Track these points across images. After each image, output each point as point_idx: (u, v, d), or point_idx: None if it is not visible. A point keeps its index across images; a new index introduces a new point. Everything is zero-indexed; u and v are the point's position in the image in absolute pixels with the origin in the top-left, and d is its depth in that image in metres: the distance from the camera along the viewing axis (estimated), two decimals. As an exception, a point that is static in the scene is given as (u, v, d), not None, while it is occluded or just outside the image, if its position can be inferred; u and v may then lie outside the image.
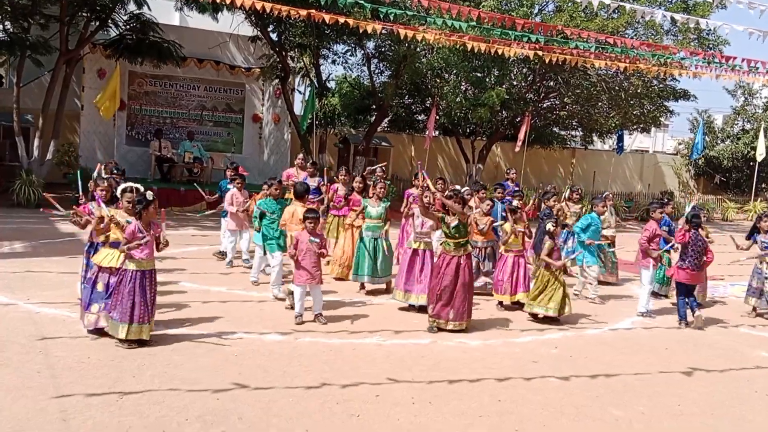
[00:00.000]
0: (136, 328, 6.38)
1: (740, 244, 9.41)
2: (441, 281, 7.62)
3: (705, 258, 8.64)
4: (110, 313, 6.49)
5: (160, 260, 10.20)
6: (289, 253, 7.74)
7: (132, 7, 18.31)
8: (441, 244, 7.96)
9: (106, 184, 7.34)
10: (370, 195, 9.59)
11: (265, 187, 9.42)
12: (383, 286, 9.50)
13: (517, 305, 8.92)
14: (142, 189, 6.99)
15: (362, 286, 9.47)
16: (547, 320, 8.37)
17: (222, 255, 11.10)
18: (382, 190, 9.51)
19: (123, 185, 7.15)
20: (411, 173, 12.11)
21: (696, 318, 8.57)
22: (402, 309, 8.57)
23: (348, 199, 10.49)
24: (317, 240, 7.66)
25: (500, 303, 9.03)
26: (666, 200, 11.88)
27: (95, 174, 8.17)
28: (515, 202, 9.21)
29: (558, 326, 8.23)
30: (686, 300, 8.70)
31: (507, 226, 8.99)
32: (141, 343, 6.45)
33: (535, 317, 8.43)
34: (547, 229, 8.49)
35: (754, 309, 9.53)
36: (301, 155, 13.35)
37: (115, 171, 10.10)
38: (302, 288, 7.64)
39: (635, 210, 25.05)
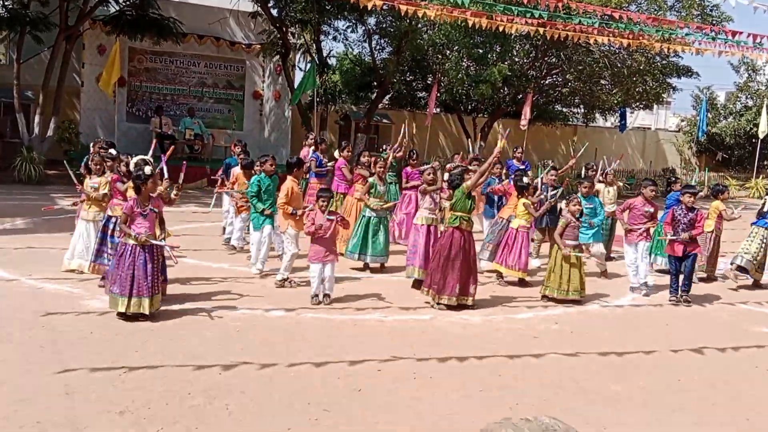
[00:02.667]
0: (135, 302, 6.40)
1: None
2: (448, 256, 7.54)
3: (693, 231, 8.57)
4: (111, 287, 6.53)
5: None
6: (307, 230, 7.60)
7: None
8: (442, 220, 7.94)
9: (97, 158, 7.58)
10: (372, 173, 9.59)
11: (259, 163, 9.30)
12: (377, 264, 9.49)
13: (521, 282, 8.95)
14: (151, 161, 7.05)
15: (366, 266, 9.48)
16: (563, 301, 8.23)
17: (228, 244, 10.78)
18: (382, 169, 9.50)
19: (135, 159, 7.20)
20: (406, 153, 12.11)
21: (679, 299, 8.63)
22: (412, 286, 8.52)
23: (353, 174, 10.46)
24: (333, 218, 7.63)
25: (500, 274, 9.05)
26: (674, 178, 11.82)
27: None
28: (525, 179, 9.16)
29: (559, 303, 8.24)
30: (676, 277, 8.67)
31: (521, 202, 8.95)
32: (141, 316, 6.47)
33: (550, 299, 8.27)
34: (559, 206, 8.50)
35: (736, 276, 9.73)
36: (312, 134, 13.31)
37: (103, 147, 9.78)
38: (320, 265, 7.53)
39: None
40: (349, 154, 11.53)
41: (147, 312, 6.48)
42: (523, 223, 8.90)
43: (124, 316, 6.46)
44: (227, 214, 10.69)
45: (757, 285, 9.92)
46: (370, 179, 9.48)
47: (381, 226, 9.35)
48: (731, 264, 9.88)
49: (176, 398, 4.84)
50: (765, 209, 9.98)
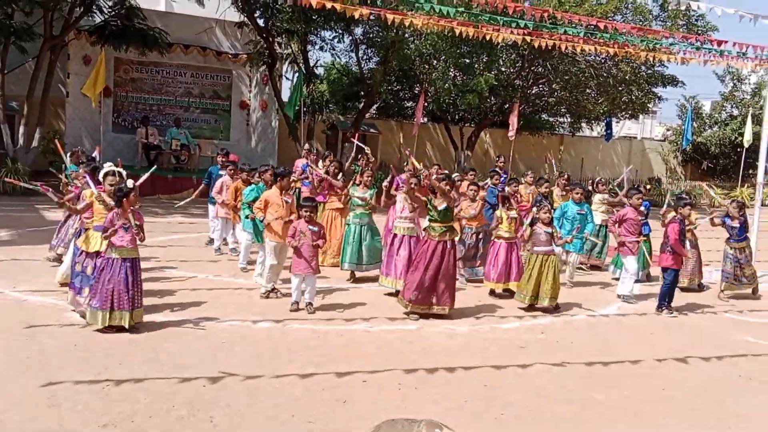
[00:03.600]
0: (117, 315, 6.37)
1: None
2: (427, 267, 7.54)
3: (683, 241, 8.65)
4: (90, 301, 6.47)
5: (148, 246, 10.20)
6: (288, 243, 7.69)
7: (117, -8, 18.15)
8: (424, 229, 7.95)
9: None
10: (357, 182, 9.57)
11: (258, 173, 9.33)
12: (371, 273, 9.47)
13: (508, 293, 8.97)
14: (124, 173, 7.02)
15: (352, 275, 9.47)
16: (540, 308, 8.32)
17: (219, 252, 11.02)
18: (369, 178, 9.49)
19: (106, 168, 7.15)
20: (399, 160, 12.08)
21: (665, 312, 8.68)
22: (389, 295, 8.55)
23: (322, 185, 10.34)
24: (315, 228, 7.64)
25: (492, 290, 9.06)
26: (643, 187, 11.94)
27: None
28: (507, 190, 9.22)
29: (545, 313, 8.27)
30: (670, 289, 8.72)
31: (499, 213, 9.00)
32: (121, 330, 6.42)
33: (530, 307, 8.33)
34: (535, 214, 8.54)
35: (722, 291, 9.74)
36: (307, 145, 13.32)
37: (83, 161, 9.81)
38: (299, 277, 7.61)
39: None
40: (334, 167, 11.53)
41: (126, 325, 6.43)
42: (503, 235, 8.93)
43: (103, 331, 6.39)
44: (216, 221, 10.72)
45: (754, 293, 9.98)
46: (351, 189, 9.48)
47: (363, 233, 9.31)
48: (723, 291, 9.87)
49: (161, 410, 4.81)
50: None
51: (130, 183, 6.65)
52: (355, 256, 9.26)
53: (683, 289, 9.76)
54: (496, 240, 9.04)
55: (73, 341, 6.18)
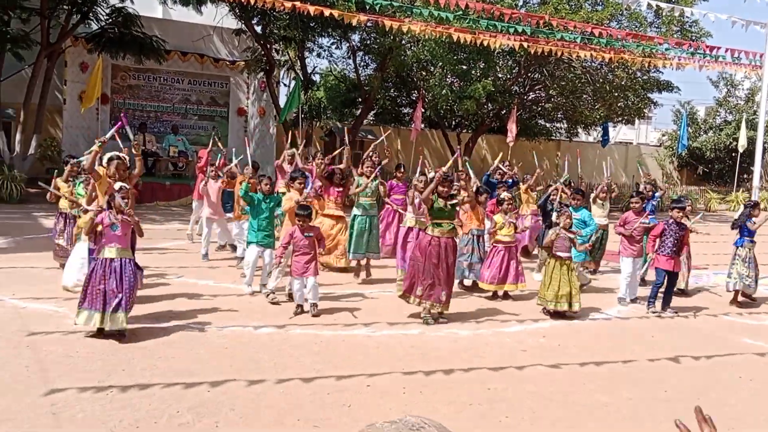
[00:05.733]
0: (109, 317, 6.28)
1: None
2: (430, 262, 7.51)
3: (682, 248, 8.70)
4: (81, 304, 6.39)
5: (148, 253, 10.19)
6: (278, 252, 7.82)
7: (115, 0, 18.17)
8: (424, 228, 7.98)
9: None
10: (360, 173, 9.69)
11: (253, 182, 9.27)
12: (375, 276, 9.64)
13: (504, 296, 8.99)
14: (127, 158, 7.07)
15: (357, 272, 9.60)
16: (558, 314, 8.27)
17: (224, 248, 11.19)
18: (369, 168, 9.56)
19: (109, 154, 7.18)
20: (394, 166, 12.19)
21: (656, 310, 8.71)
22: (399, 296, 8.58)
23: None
24: (312, 234, 7.66)
25: (495, 293, 9.06)
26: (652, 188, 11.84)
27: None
28: (504, 194, 9.26)
29: (551, 317, 8.27)
30: (659, 290, 8.76)
31: (497, 217, 9.03)
32: (118, 333, 6.39)
33: (549, 313, 8.30)
34: (552, 219, 8.61)
35: (736, 294, 9.66)
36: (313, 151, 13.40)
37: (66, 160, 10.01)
38: (299, 280, 7.63)
39: (619, 201, 25.19)
40: (321, 161, 11.58)
41: (118, 328, 6.35)
42: (504, 239, 8.94)
43: (101, 334, 6.37)
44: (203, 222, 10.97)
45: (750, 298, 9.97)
46: (358, 179, 9.57)
47: (369, 224, 9.46)
48: (731, 290, 9.84)
49: (164, 416, 4.80)
50: (738, 222, 9.92)
51: (117, 185, 6.69)
52: (363, 246, 9.44)
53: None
54: (495, 244, 9.05)
55: (75, 348, 6.15)
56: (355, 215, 9.56)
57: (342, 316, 7.80)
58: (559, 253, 8.27)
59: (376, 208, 9.82)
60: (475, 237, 9.37)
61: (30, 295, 7.85)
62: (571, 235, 8.37)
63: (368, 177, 9.56)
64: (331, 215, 9.97)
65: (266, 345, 6.58)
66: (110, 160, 7.05)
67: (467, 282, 9.49)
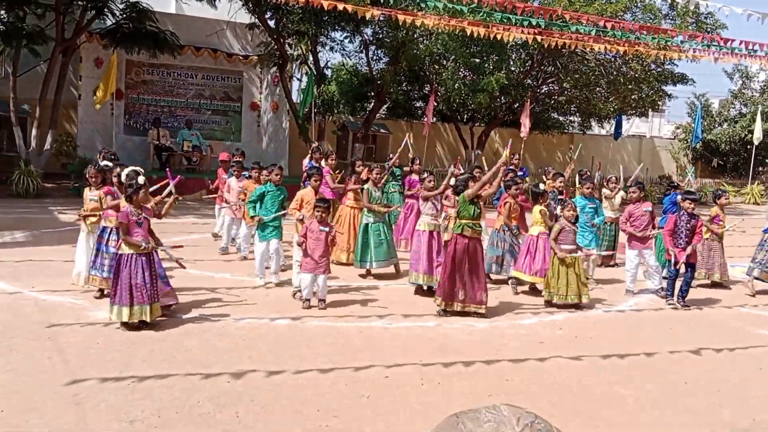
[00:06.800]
0: (137, 310, 6.43)
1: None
2: (453, 262, 7.54)
3: (694, 239, 8.65)
4: (112, 300, 6.52)
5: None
6: (297, 241, 7.80)
7: (129, -5, 18.27)
8: (450, 229, 7.98)
9: (93, 170, 7.83)
10: (367, 177, 9.69)
11: (266, 173, 9.27)
12: (391, 269, 9.59)
13: (533, 290, 8.99)
14: (142, 171, 7.07)
15: (368, 272, 9.52)
16: (567, 306, 8.26)
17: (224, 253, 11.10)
18: (378, 176, 9.55)
19: (126, 170, 7.20)
20: (409, 160, 12.18)
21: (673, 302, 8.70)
22: (415, 293, 8.61)
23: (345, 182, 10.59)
24: (327, 229, 7.67)
25: (518, 282, 9.02)
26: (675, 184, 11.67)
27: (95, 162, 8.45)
28: (541, 186, 9.25)
29: (564, 309, 8.25)
30: (676, 279, 8.75)
31: (536, 209, 8.96)
32: (144, 324, 6.51)
33: (550, 303, 8.33)
34: (555, 212, 8.57)
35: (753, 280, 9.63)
36: (315, 144, 13.42)
37: (112, 157, 9.90)
38: (310, 275, 7.65)
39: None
40: (334, 162, 11.62)
41: (148, 319, 6.50)
42: (542, 230, 8.89)
43: (127, 326, 6.47)
44: (221, 221, 11.11)
45: None
46: (366, 186, 9.53)
47: (381, 230, 9.38)
48: (748, 275, 9.83)
49: (185, 406, 4.84)
50: None
51: (141, 179, 6.71)
52: (379, 253, 9.33)
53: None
54: (532, 234, 8.97)
55: (95, 339, 6.21)
56: (367, 224, 9.41)
57: (356, 308, 7.82)
58: (564, 246, 8.26)
59: (386, 215, 9.69)
60: (503, 232, 9.38)
61: (49, 287, 7.93)
62: (576, 228, 8.39)
63: (375, 183, 9.51)
64: (353, 206, 10.24)
65: (283, 337, 6.62)
66: (128, 176, 7.04)
67: (495, 276, 9.42)
